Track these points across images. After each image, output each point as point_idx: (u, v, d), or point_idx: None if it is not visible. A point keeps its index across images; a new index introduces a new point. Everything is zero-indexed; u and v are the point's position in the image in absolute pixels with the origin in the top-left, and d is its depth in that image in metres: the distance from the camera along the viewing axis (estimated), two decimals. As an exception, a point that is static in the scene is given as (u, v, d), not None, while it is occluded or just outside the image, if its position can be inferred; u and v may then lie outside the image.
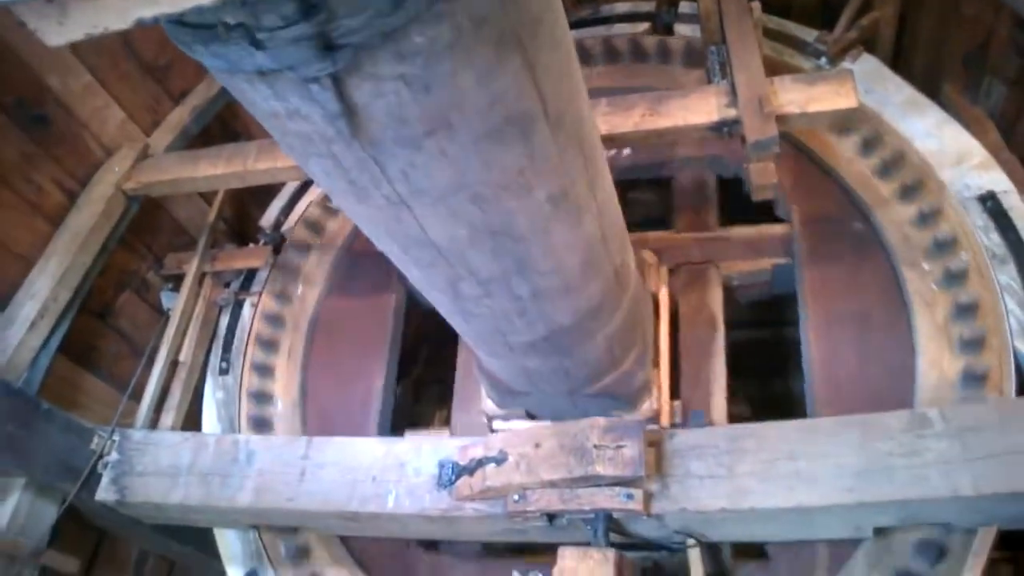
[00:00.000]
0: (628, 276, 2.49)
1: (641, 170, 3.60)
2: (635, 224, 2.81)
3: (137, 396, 3.33)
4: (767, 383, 4.30)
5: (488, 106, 1.40)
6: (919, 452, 2.26)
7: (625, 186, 3.29)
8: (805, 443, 2.37)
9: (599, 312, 2.32)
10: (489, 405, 2.92)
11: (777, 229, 3.29)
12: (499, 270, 1.88)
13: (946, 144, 3.05)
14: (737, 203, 3.29)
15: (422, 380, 4.45)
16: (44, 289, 3.05)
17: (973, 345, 2.65)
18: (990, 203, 2.87)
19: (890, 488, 2.24)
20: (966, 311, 2.71)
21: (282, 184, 3.79)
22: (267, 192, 3.78)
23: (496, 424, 2.94)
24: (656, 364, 2.87)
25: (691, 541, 2.56)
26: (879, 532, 2.44)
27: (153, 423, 3.33)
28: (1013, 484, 2.15)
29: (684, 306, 3.20)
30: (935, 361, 2.69)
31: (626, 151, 3.51)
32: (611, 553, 2.39)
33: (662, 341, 2.94)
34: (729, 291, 3.31)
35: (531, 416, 2.86)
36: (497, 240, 1.77)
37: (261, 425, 3.31)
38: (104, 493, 2.98)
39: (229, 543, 3.26)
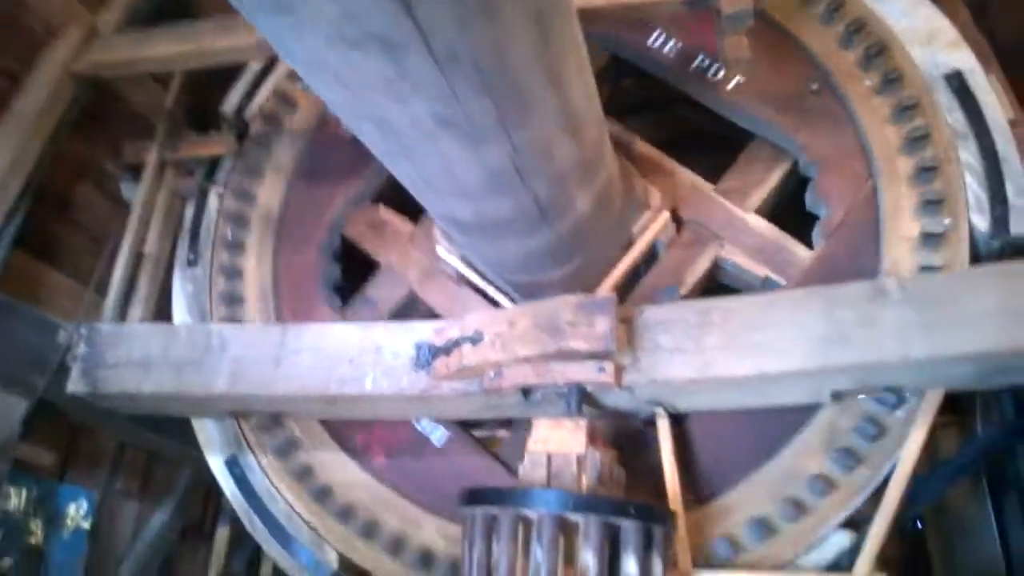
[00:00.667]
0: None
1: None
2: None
3: (102, 290, 3.28)
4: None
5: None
6: (877, 321, 2.36)
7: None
8: (769, 315, 2.46)
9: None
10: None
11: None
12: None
13: (919, 23, 3.05)
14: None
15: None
16: (-8, 178, 2.95)
17: (932, 208, 2.75)
18: (955, 82, 2.91)
19: (848, 354, 2.35)
20: (927, 174, 2.78)
21: (244, 66, 3.64)
22: (229, 76, 3.62)
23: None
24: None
25: (660, 411, 2.67)
26: (836, 396, 2.57)
27: (121, 317, 3.30)
28: (960, 347, 2.27)
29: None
30: (895, 224, 2.78)
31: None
32: (583, 421, 2.49)
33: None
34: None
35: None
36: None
37: (234, 316, 3.30)
38: (75, 385, 2.97)
39: (207, 431, 3.31)
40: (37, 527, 3.11)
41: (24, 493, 3.05)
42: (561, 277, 2.98)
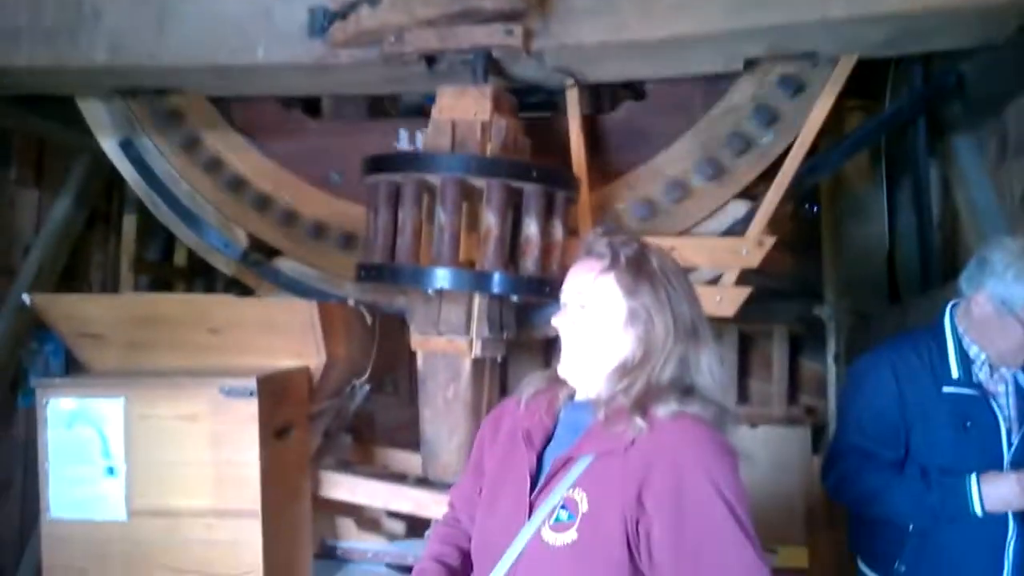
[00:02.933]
0: None
1: None
2: None
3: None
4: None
5: None
6: (794, -21, 2.24)
7: None
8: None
9: None
10: None
11: None
12: None
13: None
14: None
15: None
16: None
17: None
18: None
19: (764, 14, 2.25)
20: None
21: None
22: None
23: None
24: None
25: (570, 81, 2.58)
26: (749, 65, 2.51)
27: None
28: (877, 7, 2.19)
29: None
30: None
31: None
32: (488, 88, 2.40)
33: None
34: None
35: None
36: None
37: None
38: (-61, 58, 2.71)
39: (96, 113, 3.11)
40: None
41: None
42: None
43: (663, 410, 1.28)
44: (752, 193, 2.74)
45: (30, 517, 3.47)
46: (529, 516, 1.31)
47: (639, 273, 1.36)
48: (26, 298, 2.37)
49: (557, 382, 1.46)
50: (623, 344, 1.36)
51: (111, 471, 2.15)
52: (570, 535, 1.25)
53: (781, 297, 3.74)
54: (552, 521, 1.28)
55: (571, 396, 1.44)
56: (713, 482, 1.23)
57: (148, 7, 2.65)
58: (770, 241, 2.53)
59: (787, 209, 2.74)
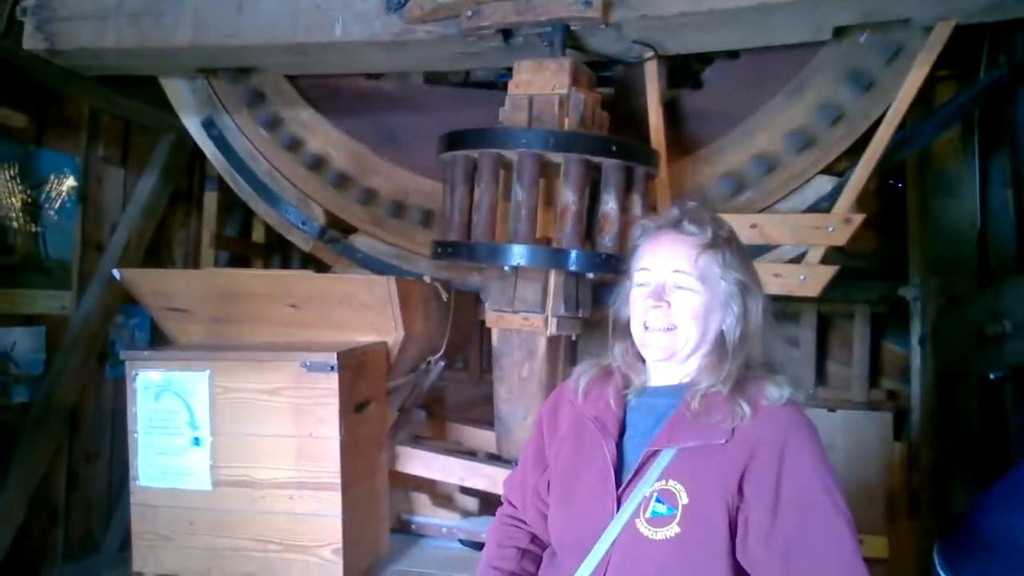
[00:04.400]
0: None
1: None
2: None
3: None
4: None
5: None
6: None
7: None
8: (774, -63, 2.20)
9: None
10: None
11: None
12: None
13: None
14: None
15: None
16: None
17: None
18: None
19: (858, -21, 2.15)
20: None
21: None
22: None
23: None
24: None
25: (649, 53, 2.52)
26: (838, 32, 2.41)
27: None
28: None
29: None
30: None
31: None
32: (567, 62, 2.36)
33: None
34: None
35: None
36: None
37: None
38: (31, 41, 2.80)
39: (179, 93, 3.20)
40: (25, 191, 3.12)
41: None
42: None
43: (767, 396, 1.24)
44: (837, 168, 2.64)
45: (117, 483, 3.63)
46: (617, 509, 1.27)
47: (735, 249, 1.32)
48: (117, 273, 2.45)
49: (616, 367, 1.41)
50: (724, 324, 1.31)
51: (197, 441, 2.21)
52: (672, 529, 1.21)
53: (862, 276, 3.61)
54: (648, 514, 1.23)
55: (645, 382, 1.40)
56: (817, 470, 1.20)
57: (228, -16, 2.69)
58: (859, 218, 2.44)
59: (871, 184, 2.62)
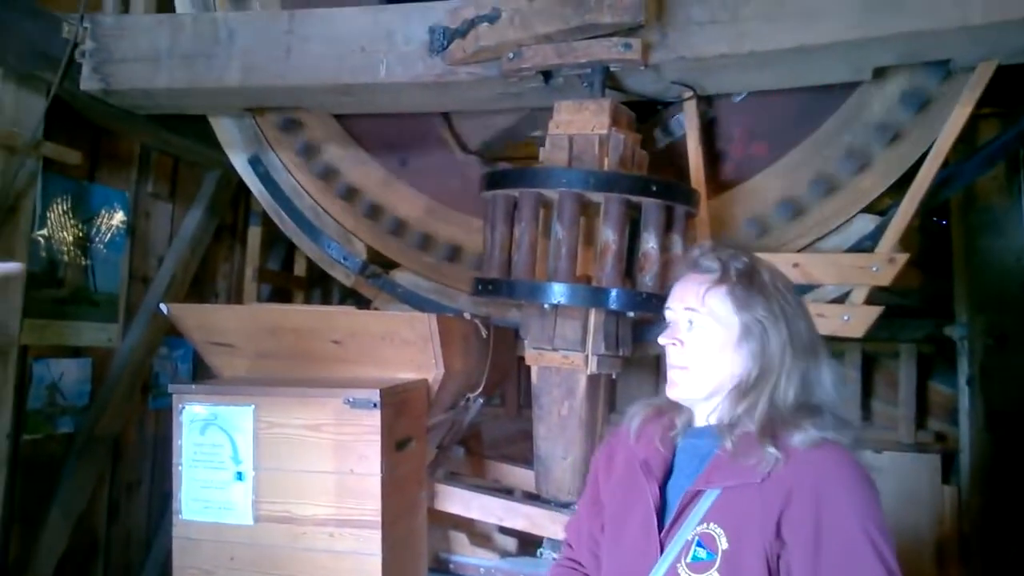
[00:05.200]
0: None
1: None
2: None
3: (101, -15, 3.08)
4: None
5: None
6: (929, -16, 2.12)
7: None
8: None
9: None
10: None
11: None
12: None
13: None
14: None
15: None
16: None
17: None
18: None
19: (899, 20, 2.15)
20: None
21: None
22: None
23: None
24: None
25: (687, 93, 2.54)
26: (879, 73, 2.40)
27: (124, 8, 3.14)
28: (1022, 10, 2.05)
29: None
30: None
31: None
32: (607, 102, 2.38)
33: None
34: None
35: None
36: None
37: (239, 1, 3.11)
38: (88, 82, 2.91)
39: (227, 130, 3.28)
40: (76, 226, 3.22)
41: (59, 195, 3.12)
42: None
43: (799, 437, 1.23)
44: (880, 208, 2.62)
45: (156, 515, 3.67)
46: (661, 552, 1.27)
47: (751, 286, 1.31)
48: (164, 308, 2.50)
49: (667, 408, 1.41)
50: (737, 361, 1.30)
51: (240, 476, 2.23)
52: (712, 575, 1.21)
53: (907, 315, 3.55)
54: (689, 559, 1.23)
55: (689, 423, 1.39)
56: (859, 517, 1.17)
57: (277, 30, 2.77)
58: (903, 258, 2.41)
59: (915, 223, 2.59)
